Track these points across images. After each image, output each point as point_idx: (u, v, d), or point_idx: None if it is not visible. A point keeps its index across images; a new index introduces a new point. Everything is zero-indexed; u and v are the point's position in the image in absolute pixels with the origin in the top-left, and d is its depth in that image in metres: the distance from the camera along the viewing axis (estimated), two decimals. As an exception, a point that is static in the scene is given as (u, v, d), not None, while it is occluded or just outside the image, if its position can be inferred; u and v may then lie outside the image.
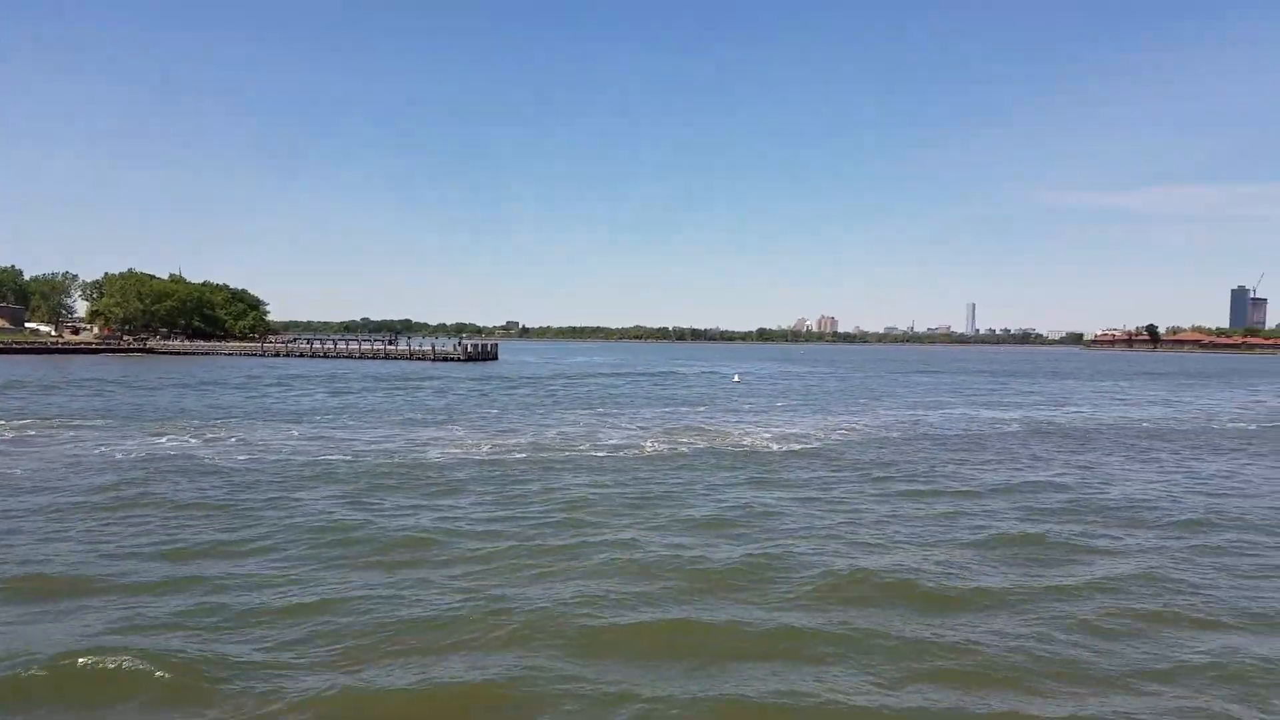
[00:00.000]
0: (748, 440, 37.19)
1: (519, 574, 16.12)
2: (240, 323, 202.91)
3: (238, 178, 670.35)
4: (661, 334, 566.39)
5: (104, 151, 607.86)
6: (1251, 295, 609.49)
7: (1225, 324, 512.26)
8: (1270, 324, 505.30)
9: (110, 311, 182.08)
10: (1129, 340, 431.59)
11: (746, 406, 58.67)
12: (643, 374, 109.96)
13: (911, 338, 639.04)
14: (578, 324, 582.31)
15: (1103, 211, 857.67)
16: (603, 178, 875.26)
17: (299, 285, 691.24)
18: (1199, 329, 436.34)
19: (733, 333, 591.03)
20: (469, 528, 19.85)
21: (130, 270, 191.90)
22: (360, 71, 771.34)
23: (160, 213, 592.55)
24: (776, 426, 43.99)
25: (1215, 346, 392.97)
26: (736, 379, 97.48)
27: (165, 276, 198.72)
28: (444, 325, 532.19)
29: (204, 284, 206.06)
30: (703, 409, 56.49)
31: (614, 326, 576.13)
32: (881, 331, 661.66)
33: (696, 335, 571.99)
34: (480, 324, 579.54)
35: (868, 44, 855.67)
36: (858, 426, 45.09)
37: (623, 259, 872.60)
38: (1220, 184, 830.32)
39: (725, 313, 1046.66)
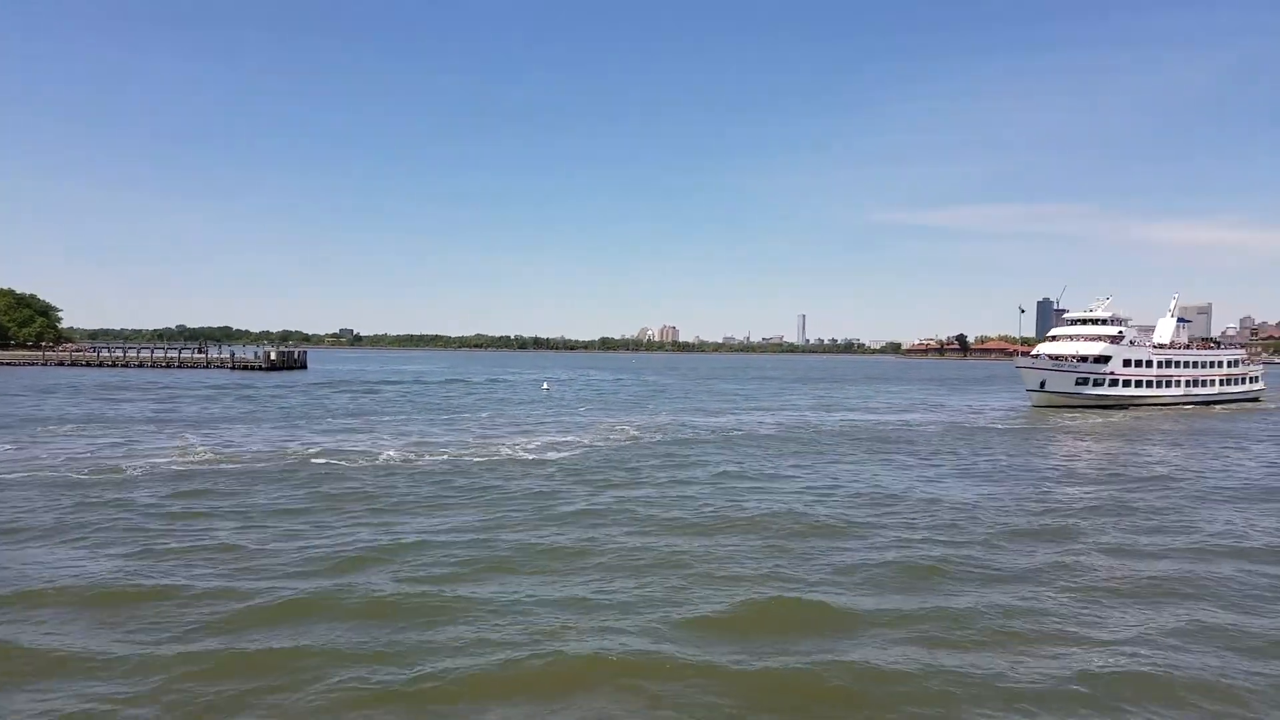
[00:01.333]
0: (505, 451, 36.24)
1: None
2: (25, 330, 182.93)
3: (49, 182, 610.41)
4: (503, 342, 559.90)
5: None
6: (1055, 306, 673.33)
7: (1032, 333, 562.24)
8: None
9: None
10: (941, 349, 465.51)
11: (534, 415, 58.33)
12: (455, 381, 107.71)
13: (747, 347, 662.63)
14: (415, 332, 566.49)
15: (920, 229, 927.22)
16: (448, 185, 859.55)
17: (114, 290, 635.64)
18: (1005, 338, 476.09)
19: (576, 341, 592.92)
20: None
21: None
22: (167, 74, 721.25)
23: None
24: (546, 436, 43.64)
25: (1018, 354, 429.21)
26: (545, 387, 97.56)
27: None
28: (268, 333, 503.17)
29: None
30: (484, 415, 55.76)
31: (453, 335, 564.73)
32: (720, 341, 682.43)
33: (539, 344, 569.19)
34: (309, 331, 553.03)
35: (705, 74, 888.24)
36: (627, 431, 45.68)
37: (465, 267, 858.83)
38: (1021, 203, 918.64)
39: (571, 322, 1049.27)
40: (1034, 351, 79.78)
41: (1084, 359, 75.07)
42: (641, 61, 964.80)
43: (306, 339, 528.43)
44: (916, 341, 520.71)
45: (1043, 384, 74.81)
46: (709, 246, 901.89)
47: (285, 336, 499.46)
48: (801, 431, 48.52)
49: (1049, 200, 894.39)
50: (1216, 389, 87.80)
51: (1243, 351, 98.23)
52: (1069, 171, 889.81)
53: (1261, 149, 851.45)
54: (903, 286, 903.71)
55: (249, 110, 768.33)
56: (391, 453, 34.75)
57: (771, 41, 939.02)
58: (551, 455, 35.17)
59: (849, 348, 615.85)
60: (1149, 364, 78.74)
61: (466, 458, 33.82)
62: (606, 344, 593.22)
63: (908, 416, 62.44)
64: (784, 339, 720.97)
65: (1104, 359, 75.05)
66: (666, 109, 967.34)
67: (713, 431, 47.43)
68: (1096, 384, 75.01)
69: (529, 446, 37.98)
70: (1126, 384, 76.57)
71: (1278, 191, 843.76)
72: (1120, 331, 77.67)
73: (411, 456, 33.83)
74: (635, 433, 45.35)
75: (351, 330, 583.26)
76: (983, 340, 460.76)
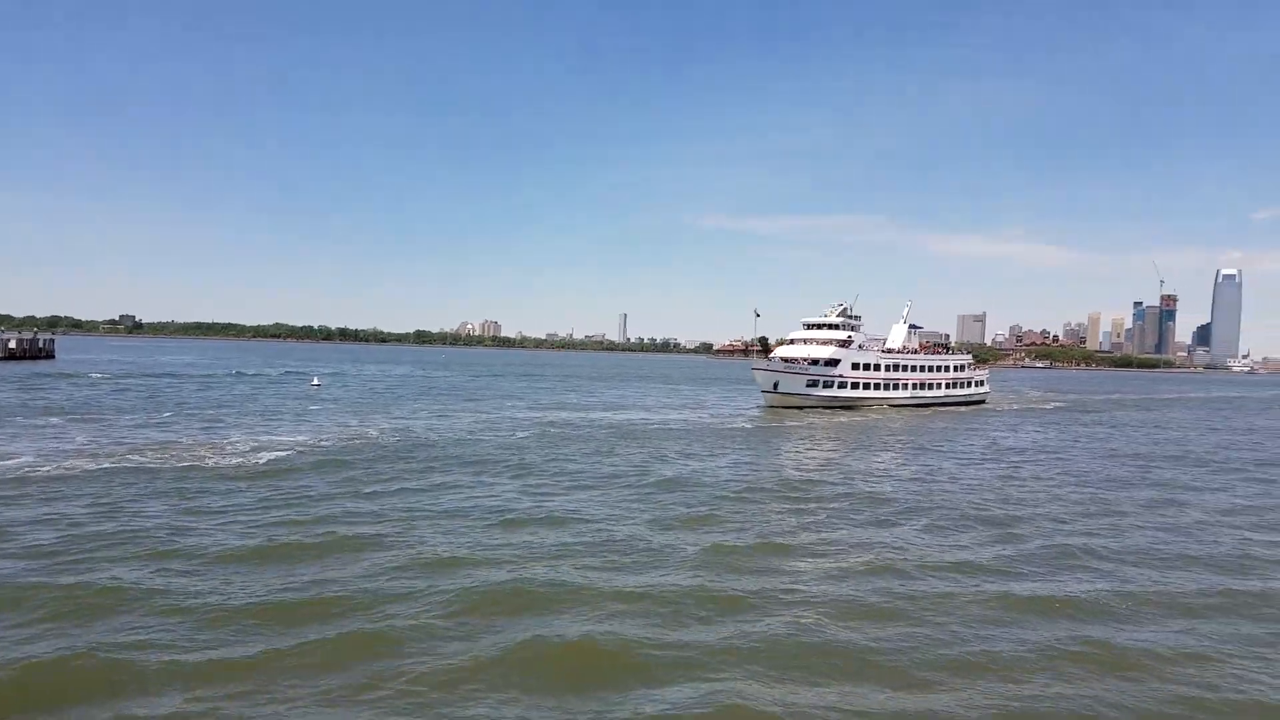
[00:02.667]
0: (211, 458, 33.23)
1: None
2: None
3: None
4: (305, 333, 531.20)
5: None
6: (849, 312, 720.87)
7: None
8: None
9: None
10: (746, 350, 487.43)
11: (274, 413, 55.92)
12: (216, 376, 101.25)
13: (568, 344, 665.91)
14: (206, 320, 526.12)
15: (735, 234, 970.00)
16: (249, 165, 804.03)
17: None
18: None
19: (389, 334, 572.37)
20: None
21: None
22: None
23: None
24: (271, 435, 41.89)
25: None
26: (315, 382, 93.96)
27: None
28: (33, 318, 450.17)
29: None
30: (210, 413, 52.97)
31: (248, 324, 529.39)
32: (543, 337, 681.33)
33: (346, 335, 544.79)
34: (81, 318, 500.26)
35: (532, 69, 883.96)
36: (360, 434, 44.87)
37: (268, 253, 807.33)
38: (822, 214, 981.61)
39: (385, 314, 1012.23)
40: (772, 355, 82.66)
41: (815, 362, 78.40)
42: (471, 52, 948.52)
43: (78, 325, 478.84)
44: (727, 343, 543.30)
45: (776, 385, 77.17)
46: (534, 242, 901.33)
47: (53, 322, 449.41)
48: (549, 431, 49.65)
49: (856, 212, 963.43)
50: (943, 392, 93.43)
51: (969, 357, 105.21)
52: (873, 186, 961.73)
53: (1044, 170, 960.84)
54: (719, 289, 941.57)
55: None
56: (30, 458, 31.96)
57: (594, 38, 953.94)
58: (262, 458, 33.52)
59: (666, 347, 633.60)
60: (878, 367, 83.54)
61: (150, 464, 32.00)
62: (422, 338, 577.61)
63: (666, 416, 65.14)
64: (606, 337, 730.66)
65: (834, 362, 78.90)
66: (495, 101, 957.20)
67: (450, 433, 47.62)
68: (826, 385, 78.51)
69: (240, 449, 36.21)
70: (856, 386, 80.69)
71: (1052, 211, 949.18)
72: (850, 336, 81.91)
73: (75, 463, 31.66)
74: (375, 433, 44.19)
75: (133, 317, 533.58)
76: (780, 343, 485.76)
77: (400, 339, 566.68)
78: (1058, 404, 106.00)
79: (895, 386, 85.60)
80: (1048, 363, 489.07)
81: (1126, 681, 13.57)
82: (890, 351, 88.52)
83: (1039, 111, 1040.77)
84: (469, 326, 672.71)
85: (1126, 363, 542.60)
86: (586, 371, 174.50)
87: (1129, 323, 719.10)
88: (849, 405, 79.56)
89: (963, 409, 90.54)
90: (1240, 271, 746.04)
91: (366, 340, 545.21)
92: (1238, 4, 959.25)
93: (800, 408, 76.60)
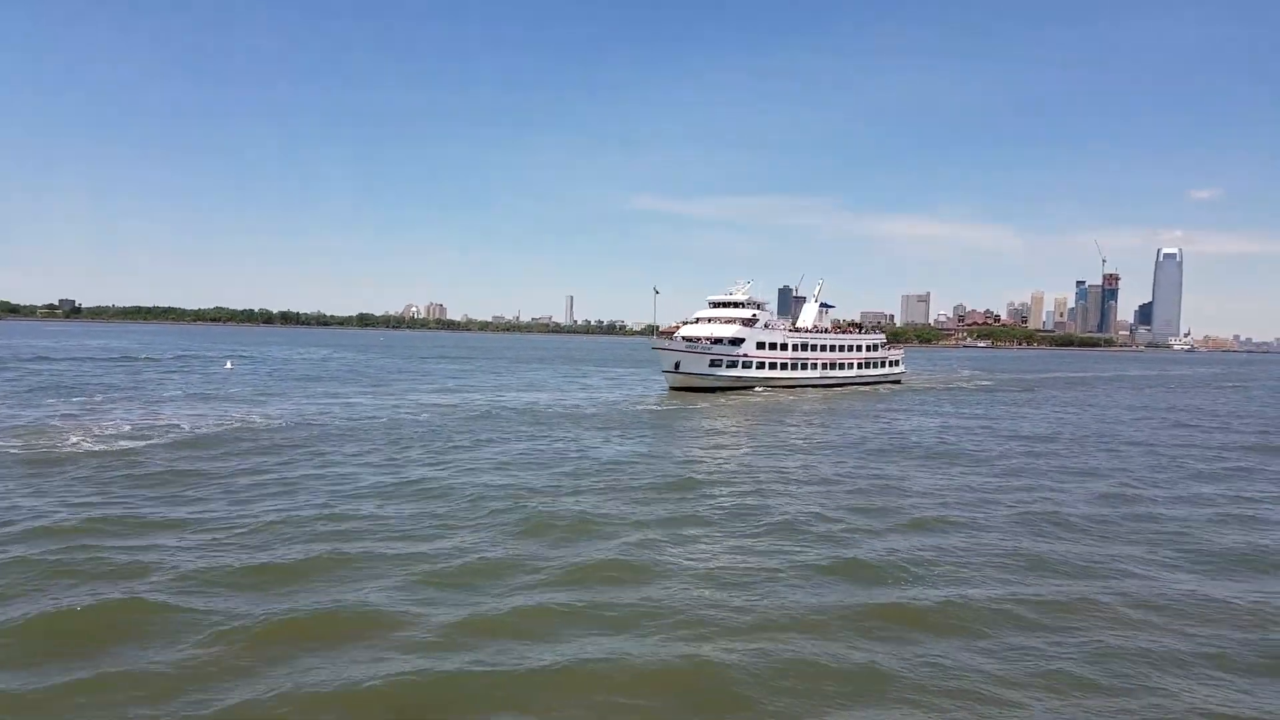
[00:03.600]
0: (71, 441, 33.40)
1: None
2: None
3: None
4: (246, 317, 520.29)
5: None
6: (794, 294, 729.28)
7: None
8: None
9: None
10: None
11: (157, 397, 55.61)
12: (130, 360, 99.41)
13: (515, 326, 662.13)
14: (146, 304, 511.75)
15: (674, 216, 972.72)
16: (196, 140, 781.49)
17: None
18: None
19: (332, 318, 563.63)
20: None
21: None
22: None
23: None
24: (137, 422, 41.53)
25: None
26: (229, 366, 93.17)
27: None
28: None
29: None
30: (99, 398, 52.47)
31: (189, 308, 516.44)
32: (489, 320, 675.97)
33: (289, 319, 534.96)
34: (16, 302, 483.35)
35: (469, 52, 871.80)
36: (224, 420, 44.97)
37: (208, 236, 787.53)
38: (761, 195, 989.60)
39: (329, 297, 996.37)
40: (677, 334, 79.92)
41: (718, 341, 76.72)
42: (404, 40, 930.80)
43: (14, 310, 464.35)
44: (671, 325, 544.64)
45: (677, 365, 75.06)
46: (482, 224, 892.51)
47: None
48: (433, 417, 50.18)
49: (796, 194, 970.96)
50: (855, 372, 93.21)
51: (882, 337, 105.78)
52: (813, 169, 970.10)
53: (988, 151, 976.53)
54: (663, 271, 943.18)
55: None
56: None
57: (537, 21, 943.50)
58: (124, 444, 33.34)
59: (612, 329, 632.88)
60: (784, 347, 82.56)
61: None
62: (365, 321, 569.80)
63: (573, 397, 66.16)
64: (553, 319, 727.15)
65: (738, 341, 77.46)
66: (436, 85, 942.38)
67: (330, 419, 47.98)
68: (730, 365, 76.96)
69: (108, 433, 36.15)
70: (761, 366, 79.78)
71: (990, 191, 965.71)
72: (754, 315, 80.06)
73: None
74: (258, 419, 43.79)
75: (73, 301, 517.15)
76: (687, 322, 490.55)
77: (343, 322, 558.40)
78: (984, 383, 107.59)
79: (803, 366, 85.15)
80: (989, 342, 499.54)
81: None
82: (798, 330, 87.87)
83: (981, 93, 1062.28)
84: (413, 309, 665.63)
85: (1068, 341, 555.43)
86: (525, 354, 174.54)
87: (1072, 302, 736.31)
88: (754, 385, 78.91)
89: (877, 389, 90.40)
90: (1181, 251, 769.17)
91: (309, 324, 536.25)
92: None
93: (704, 389, 75.39)
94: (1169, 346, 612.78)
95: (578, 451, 35.71)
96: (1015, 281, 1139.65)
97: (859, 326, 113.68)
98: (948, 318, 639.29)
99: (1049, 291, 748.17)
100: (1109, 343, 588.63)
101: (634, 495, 26.42)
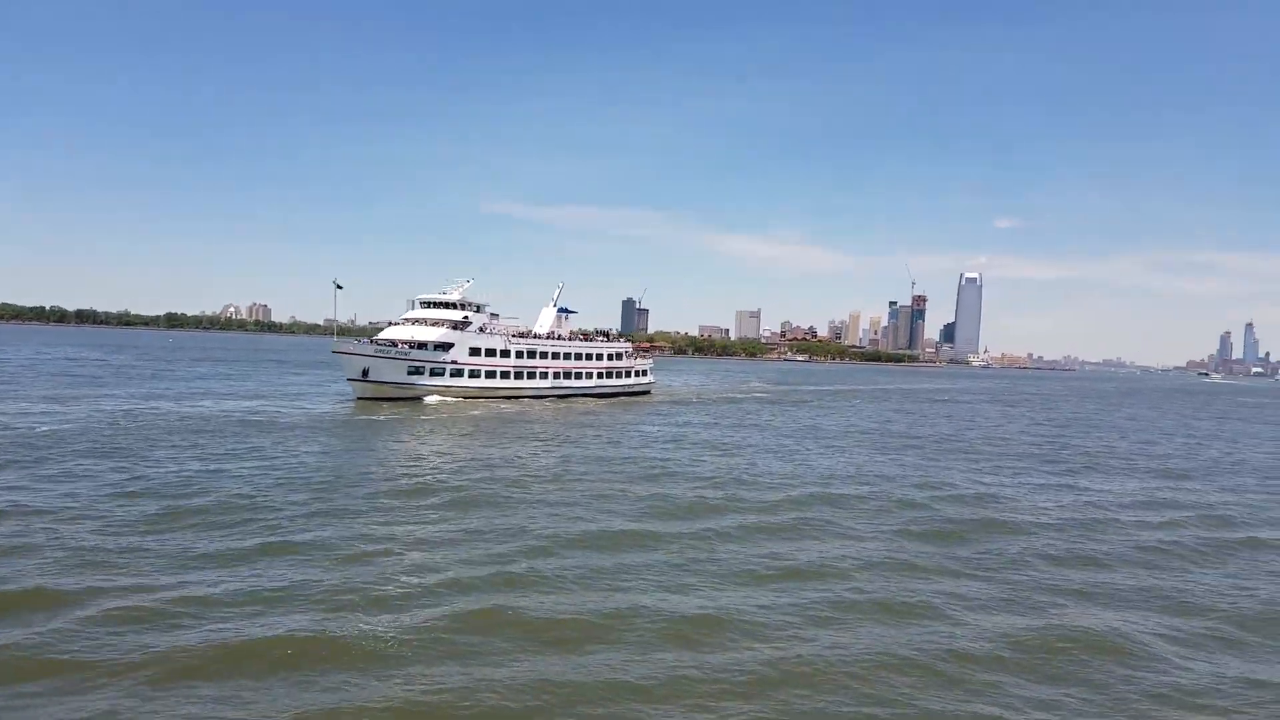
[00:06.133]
0: None
1: None
2: None
3: None
4: (36, 314, 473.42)
5: None
6: (638, 306, 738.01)
7: (619, 327, 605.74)
8: (651, 329, 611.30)
9: None
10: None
11: None
12: None
13: (347, 330, 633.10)
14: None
15: (527, 223, 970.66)
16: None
17: None
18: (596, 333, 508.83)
19: (136, 317, 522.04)
20: None
21: None
22: None
23: None
24: None
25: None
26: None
27: None
28: None
29: None
30: None
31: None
32: (319, 322, 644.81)
33: (84, 318, 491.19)
34: None
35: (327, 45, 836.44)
36: None
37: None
38: (610, 207, 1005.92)
39: (139, 296, 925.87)
40: (381, 336, 73.44)
41: (421, 345, 70.01)
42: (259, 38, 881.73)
43: None
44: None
45: (365, 372, 67.55)
46: (329, 226, 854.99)
47: None
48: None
49: (638, 207, 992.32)
50: (594, 382, 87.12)
51: (627, 345, 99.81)
52: (657, 182, 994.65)
53: (823, 176, 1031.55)
54: (520, 277, 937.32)
55: None
56: None
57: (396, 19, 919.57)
58: None
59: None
60: (506, 354, 75.88)
61: None
62: (174, 321, 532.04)
63: (261, 406, 63.86)
64: (391, 323, 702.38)
65: (445, 345, 70.79)
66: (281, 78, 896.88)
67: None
68: (435, 373, 70.15)
69: None
70: (476, 374, 73.01)
71: (821, 214, 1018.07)
72: (467, 317, 73.50)
73: None
74: None
75: None
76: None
77: (149, 323, 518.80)
78: (760, 395, 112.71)
79: (530, 375, 79.26)
80: (807, 356, 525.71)
81: None
82: (524, 336, 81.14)
83: (817, 116, 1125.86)
84: (232, 309, 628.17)
85: (876, 357, 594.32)
86: (302, 358, 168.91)
87: (885, 321, 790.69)
88: (468, 396, 72.65)
89: (622, 400, 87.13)
90: (981, 275, 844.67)
91: (109, 323, 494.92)
92: (1002, 26, 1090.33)
93: (401, 399, 68.58)
94: (968, 363, 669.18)
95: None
96: (841, 300, 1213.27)
97: (606, 335, 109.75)
98: (774, 333, 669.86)
99: (866, 310, 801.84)
100: (913, 359, 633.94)
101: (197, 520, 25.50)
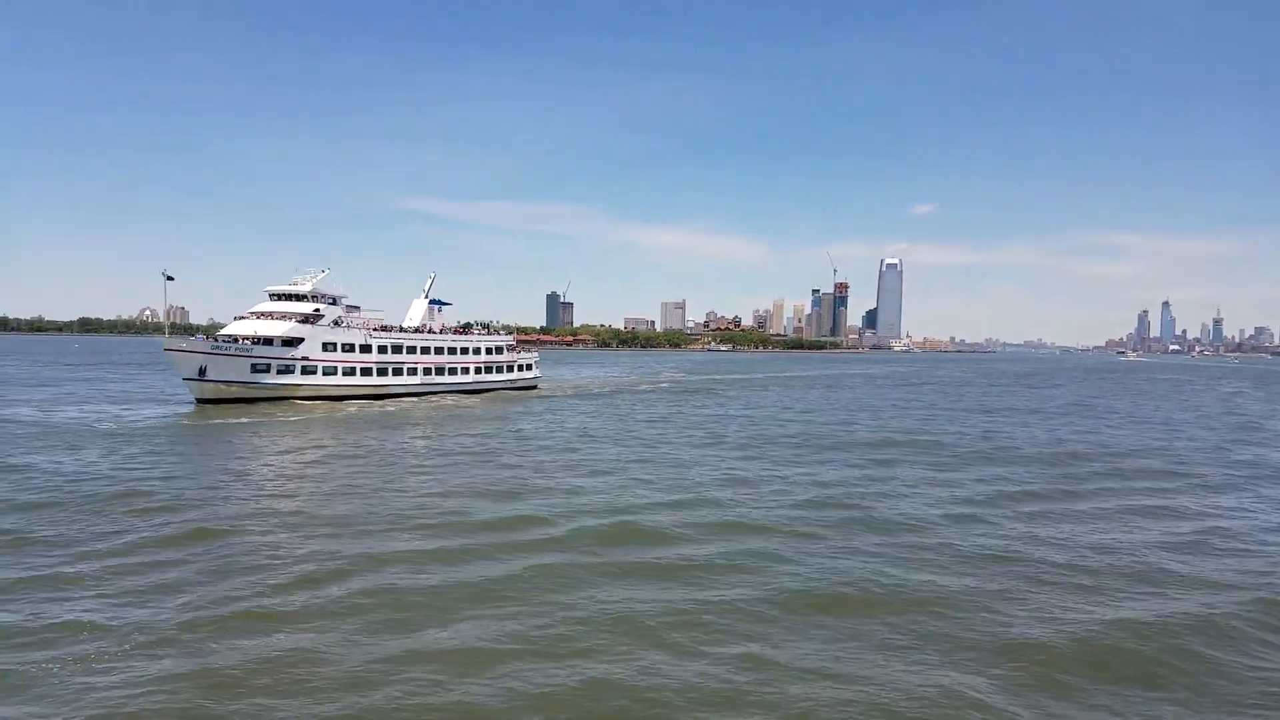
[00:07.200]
0: None
1: None
2: None
3: None
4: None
5: None
6: (562, 300, 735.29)
7: (544, 323, 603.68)
8: (576, 323, 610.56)
9: None
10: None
11: None
12: None
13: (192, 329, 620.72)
14: None
15: (442, 218, 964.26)
16: None
17: None
18: (520, 328, 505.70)
19: (49, 322, 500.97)
20: None
21: None
22: None
23: None
24: None
25: (528, 343, 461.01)
26: None
27: None
28: None
29: None
30: None
31: None
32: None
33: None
34: None
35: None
36: None
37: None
38: (527, 201, 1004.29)
39: (51, 300, 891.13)
40: (223, 331, 69.32)
41: (267, 341, 65.70)
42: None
43: None
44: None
45: (202, 371, 62.97)
46: (231, 219, 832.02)
47: None
48: None
49: (560, 201, 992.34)
50: (471, 377, 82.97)
51: (511, 338, 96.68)
52: (578, 176, 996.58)
53: (747, 167, 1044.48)
54: (440, 274, 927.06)
55: None
56: None
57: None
58: None
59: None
60: (366, 349, 71.85)
61: None
62: (87, 326, 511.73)
63: (92, 410, 61.42)
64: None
65: (294, 341, 66.67)
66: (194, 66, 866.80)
67: None
68: (284, 371, 65.96)
69: None
70: (331, 371, 68.72)
71: (744, 206, 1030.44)
72: (319, 309, 69.13)
73: None
74: None
75: None
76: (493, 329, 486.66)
77: (62, 328, 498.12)
78: (665, 386, 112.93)
79: (395, 372, 75.15)
80: (731, 346, 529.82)
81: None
82: (387, 330, 76.77)
83: (736, 109, 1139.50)
84: (148, 312, 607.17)
85: (799, 345, 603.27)
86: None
87: (809, 309, 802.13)
88: (322, 395, 68.16)
89: (504, 395, 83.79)
90: (901, 261, 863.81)
91: (17, 329, 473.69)
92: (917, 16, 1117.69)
93: (245, 400, 63.94)
94: (890, 348, 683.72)
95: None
96: (765, 290, 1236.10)
97: (487, 328, 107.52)
98: (699, 324, 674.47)
99: (789, 299, 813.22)
100: (835, 345, 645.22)
101: None
